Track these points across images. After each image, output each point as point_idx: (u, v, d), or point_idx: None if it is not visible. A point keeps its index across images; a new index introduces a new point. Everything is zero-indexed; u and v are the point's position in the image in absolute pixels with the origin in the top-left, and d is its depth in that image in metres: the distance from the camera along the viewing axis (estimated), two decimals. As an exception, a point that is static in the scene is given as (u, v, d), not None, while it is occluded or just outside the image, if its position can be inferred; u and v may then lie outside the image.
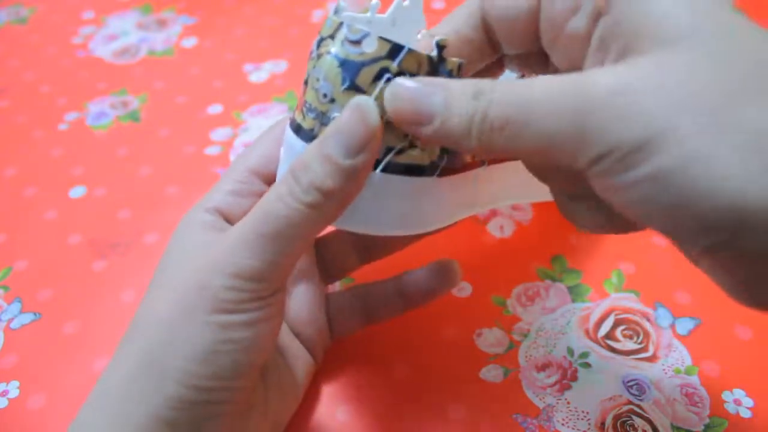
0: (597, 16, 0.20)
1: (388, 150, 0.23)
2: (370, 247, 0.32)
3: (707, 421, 0.29)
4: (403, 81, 0.21)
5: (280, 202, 0.22)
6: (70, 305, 0.35)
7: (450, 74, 0.23)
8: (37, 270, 0.37)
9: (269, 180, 0.27)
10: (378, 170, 0.24)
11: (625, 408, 0.29)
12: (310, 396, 0.30)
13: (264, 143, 0.27)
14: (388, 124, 0.23)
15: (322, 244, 0.31)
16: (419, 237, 0.31)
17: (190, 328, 0.22)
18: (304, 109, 0.24)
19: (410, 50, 0.22)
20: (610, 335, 0.32)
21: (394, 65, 0.22)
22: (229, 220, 0.25)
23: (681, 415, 0.29)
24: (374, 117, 0.22)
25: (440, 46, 0.23)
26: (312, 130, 0.24)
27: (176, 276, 0.23)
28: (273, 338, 0.24)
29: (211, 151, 0.44)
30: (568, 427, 0.29)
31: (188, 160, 0.43)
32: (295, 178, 0.22)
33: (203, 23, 0.57)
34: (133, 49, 0.55)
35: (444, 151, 0.25)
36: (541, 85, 0.19)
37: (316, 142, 0.22)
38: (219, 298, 0.22)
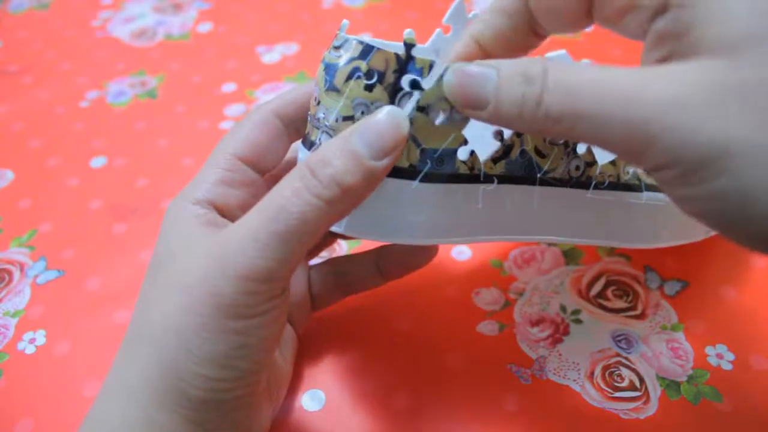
0: (656, 12, 0.19)
1: None
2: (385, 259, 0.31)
3: (690, 372, 0.30)
4: (459, 66, 0.21)
5: (295, 197, 0.21)
6: (92, 263, 0.37)
7: (420, 72, 0.23)
8: (60, 232, 0.39)
9: (257, 167, 0.26)
10: None
11: (614, 360, 0.31)
12: (318, 344, 0.32)
13: (246, 128, 0.26)
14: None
15: None
16: (427, 255, 0.31)
17: (206, 336, 0.22)
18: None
19: (379, 49, 0.23)
20: (601, 294, 0.34)
21: (364, 64, 0.23)
22: (222, 212, 0.25)
23: (666, 366, 0.31)
24: (406, 124, 0.22)
25: (408, 45, 0.23)
26: (308, 133, 0.25)
27: (183, 279, 0.22)
28: (282, 330, 0.24)
29: (226, 125, 0.46)
30: (559, 376, 0.31)
31: (203, 133, 0.46)
32: (312, 173, 0.21)
33: (217, 8, 0.59)
34: (150, 31, 0.57)
35: (428, 155, 0.24)
36: (600, 80, 0.18)
37: (338, 139, 0.22)
38: (234, 304, 0.21)
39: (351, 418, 0.29)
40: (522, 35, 0.23)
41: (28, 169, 0.44)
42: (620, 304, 0.33)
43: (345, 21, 0.25)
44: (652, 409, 0.29)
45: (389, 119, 0.22)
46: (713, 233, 0.32)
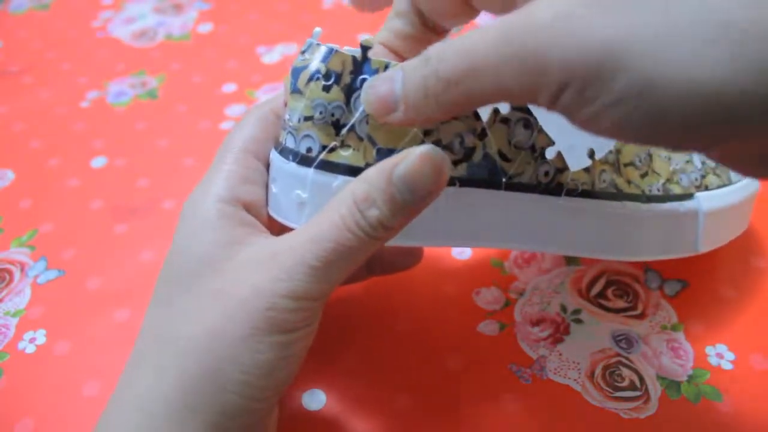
0: None
1: (323, 148, 0.24)
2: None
3: (690, 372, 0.30)
4: (369, 81, 0.22)
5: (344, 229, 0.22)
6: (93, 263, 0.37)
7: (375, 72, 0.23)
8: (61, 232, 0.39)
9: (265, 164, 0.27)
10: (312, 167, 0.24)
11: (614, 360, 0.31)
12: (318, 344, 0.32)
13: (250, 125, 0.27)
14: (319, 122, 0.24)
15: None
16: (414, 257, 0.32)
17: (255, 346, 0.22)
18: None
19: (337, 51, 0.24)
20: (601, 294, 0.34)
21: (323, 66, 0.24)
22: (248, 209, 0.25)
23: (666, 366, 0.31)
24: (447, 167, 0.22)
25: (364, 47, 0.24)
26: (282, 141, 0.26)
27: (234, 290, 0.23)
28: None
29: (226, 126, 0.46)
30: (559, 375, 0.31)
31: (204, 134, 0.46)
32: (358, 208, 0.22)
33: (217, 8, 0.59)
34: (150, 32, 0.57)
35: (384, 156, 0.24)
36: (484, 31, 0.19)
37: (381, 174, 0.22)
38: (285, 319, 0.22)
39: (351, 418, 0.29)
40: (420, 32, 0.26)
41: (28, 169, 0.44)
42: (620, 304, 0.33)
43: (317, 29, 0.25)
44: (652, 408, 0.29)
45: (430, 162, 0.22)
46: (702, 249, 0.30)
